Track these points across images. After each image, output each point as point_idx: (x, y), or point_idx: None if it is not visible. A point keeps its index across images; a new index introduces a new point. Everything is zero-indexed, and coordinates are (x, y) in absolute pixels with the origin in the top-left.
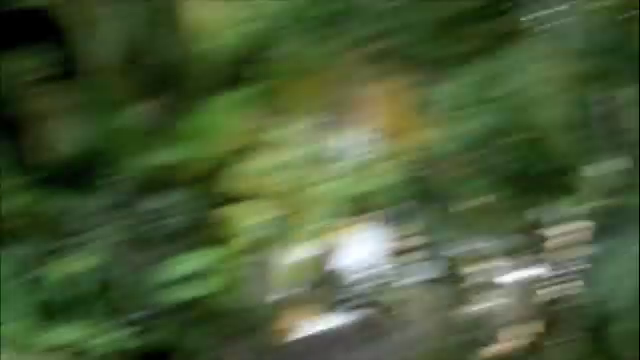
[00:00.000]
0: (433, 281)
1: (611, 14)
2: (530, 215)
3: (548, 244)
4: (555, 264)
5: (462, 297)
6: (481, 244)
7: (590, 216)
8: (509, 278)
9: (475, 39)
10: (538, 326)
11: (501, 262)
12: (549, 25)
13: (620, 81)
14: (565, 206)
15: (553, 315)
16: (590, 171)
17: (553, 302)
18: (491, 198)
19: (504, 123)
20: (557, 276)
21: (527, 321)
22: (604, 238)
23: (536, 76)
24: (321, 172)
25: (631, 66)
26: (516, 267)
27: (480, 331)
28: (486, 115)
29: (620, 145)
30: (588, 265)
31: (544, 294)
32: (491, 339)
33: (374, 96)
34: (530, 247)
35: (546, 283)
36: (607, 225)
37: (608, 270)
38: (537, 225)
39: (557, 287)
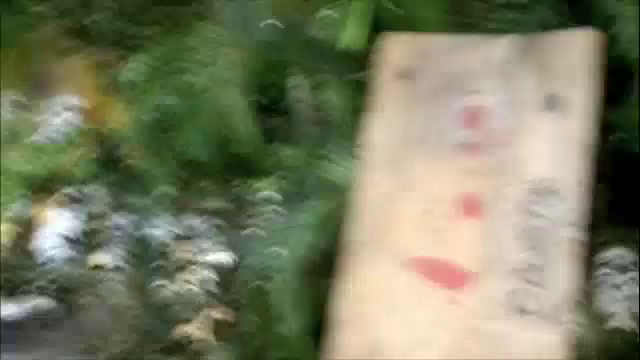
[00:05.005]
0: (128, 262)
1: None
2: (224, 197)
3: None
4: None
5: (159, 278)
6: (179, 225)
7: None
8: (207, 259)
9: (164, 20)
10: (225, 309)
11: (201, 243)
12: (231, 10)
13: (296, 71)
14: (255, 190)
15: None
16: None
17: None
18: (180, 180)
19: (188, 106)
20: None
21: (218, 303)
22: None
23: (219, 60)
24: (12, 149)
25: (305, 56)
26: (213, 249)
27: (176, 311)
28: (170, 97)
29: (302, 130)
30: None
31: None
32: (186, 320)
33: (71, 73)
34: (224, 228)
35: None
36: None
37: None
38: (231, 207)
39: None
